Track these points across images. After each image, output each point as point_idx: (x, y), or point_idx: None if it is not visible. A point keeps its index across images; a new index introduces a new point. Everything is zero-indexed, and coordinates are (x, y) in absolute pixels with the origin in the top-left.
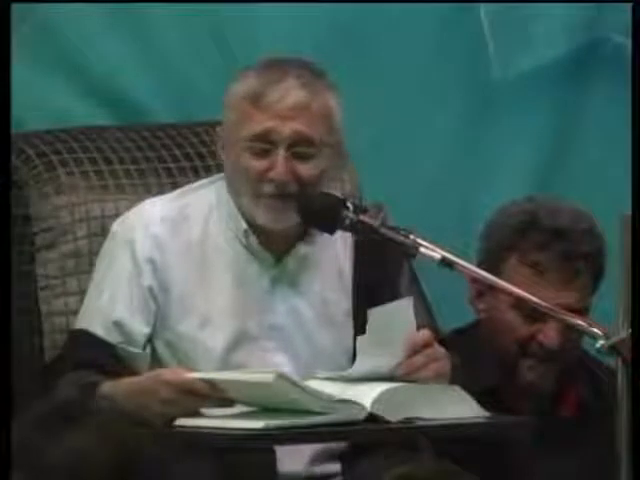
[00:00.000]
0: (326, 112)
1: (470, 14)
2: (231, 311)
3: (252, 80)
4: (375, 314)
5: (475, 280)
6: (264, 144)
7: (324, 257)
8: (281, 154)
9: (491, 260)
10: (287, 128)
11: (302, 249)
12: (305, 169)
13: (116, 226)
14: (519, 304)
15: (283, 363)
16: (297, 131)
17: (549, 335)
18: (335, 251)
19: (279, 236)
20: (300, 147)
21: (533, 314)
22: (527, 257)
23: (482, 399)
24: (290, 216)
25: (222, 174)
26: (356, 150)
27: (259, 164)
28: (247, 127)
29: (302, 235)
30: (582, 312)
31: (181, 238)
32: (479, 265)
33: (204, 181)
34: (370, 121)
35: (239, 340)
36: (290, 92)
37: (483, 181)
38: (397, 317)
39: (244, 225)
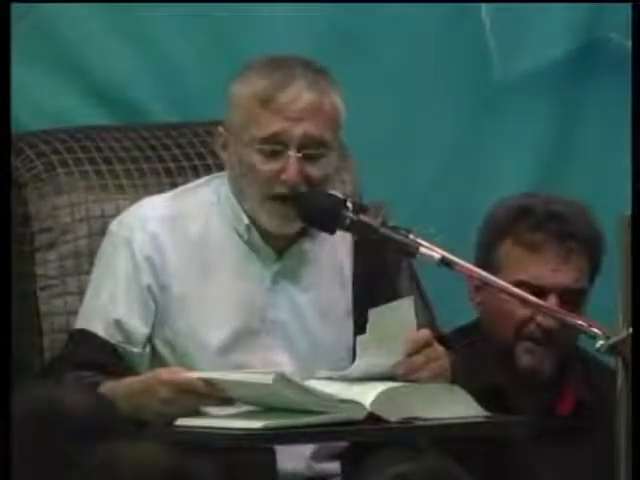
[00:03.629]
0: (334, 113)
1: (471, 14)
2: (232, 307)
3: (259, 81)
4: (376, 313)
5: (472, 276)
6: (275, 145)
7: (324, 254)
8: (292, 155)
9: (487, 250)
10: (299, 130)
11: (303, 245)
12: (314, 170)
13: (114, 225)
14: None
15: (283, 359)
16: (308, 132)
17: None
18: (335, 249)
19: (281, 232)
20: (310, 148)
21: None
22: (521, 238)
23: (485, 398)
24: (295, 222)
25: (220, 173)
26: (356, 150)
27: (270, 165)
28: (257, 128)
29: (303, 231)
30: (581, 293)
31: (180, 236)
32: (476, 258)
33: (201, 180)
34: (370, 121)
35: (240, 336)
36: (301, 94)
37: (483, 181)
38: (398, 316)
39: (246, 220)
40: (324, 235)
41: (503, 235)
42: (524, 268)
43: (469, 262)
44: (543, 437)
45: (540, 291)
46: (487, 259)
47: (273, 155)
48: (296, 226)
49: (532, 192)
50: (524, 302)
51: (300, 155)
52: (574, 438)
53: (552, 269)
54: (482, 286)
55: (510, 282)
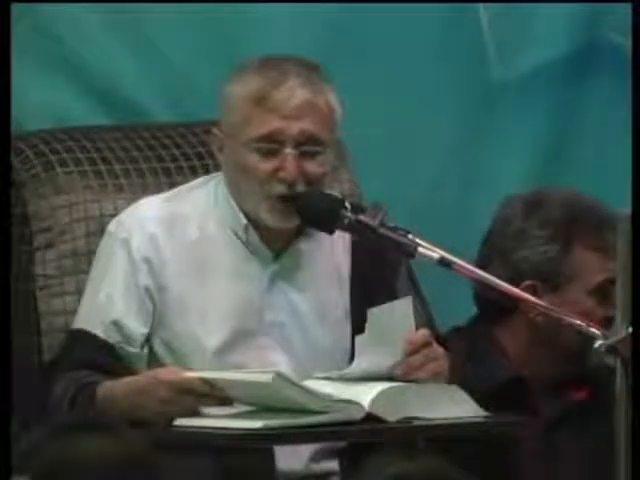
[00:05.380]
0: (329, 110)
1: (470, 14)
2: (230, 308)
3: (253, 81)
4: (374, 313)
5: (531, 287)
6: (272, 144)
7: (322, 254)
8: (290, 153)
9: (555, 261)
10: (295, 127)
11: (301, 245)
12: (313, 167)
13: (112, 226)
14: (597, 290)
15: (281, 360)
16: (304, 130)
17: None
18: (333, 250)
19: (279, 232)
20: (307, 145)
21: (609, 294)
22: (590, 243)
23: (483, 398)
24: (294, 218)
25: (216, 174)
26: (356, 150)
27: (267, 164)
28: (253, 128)
29: (301, 231)
30: None
31: (177, 237)
32: (538, 271)
33: (198, 181)
34: (370, 121)
35: (237, 337)
36: (295, 91)
37: (482, 181)
38: (396, 316)
39: (244, 221)
40: (322, 236)
41: (568, 243)
42: (603, 269)
43: (470, 263)
44: (544, 436)
45: (613, 284)
46: (561, 268)
47: (270, 154)
48: (296, 221)
49: (538, 189)
50: (602, 288)
51: (297, 152)
52: (575, 435)
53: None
54: (544, 293)
55: (594, 285)
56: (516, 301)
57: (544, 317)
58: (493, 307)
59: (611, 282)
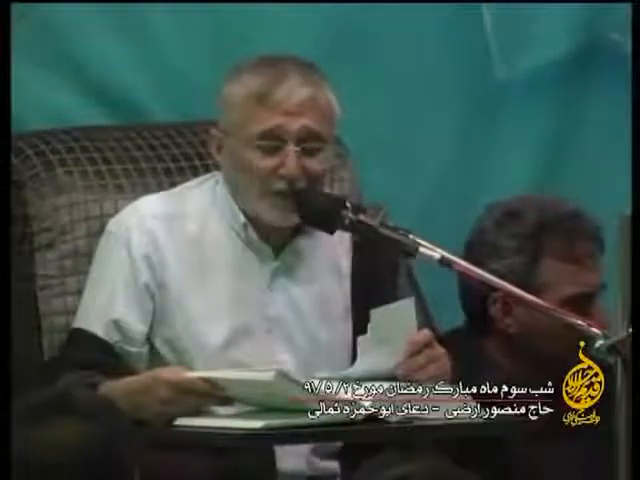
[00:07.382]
0: (329, 107)
1: (473, 15)
2: (231, 305)
3: (253, 79)
4: (377, 314)
5: (502, 299)
6: (273, 141)
7: (322, 251)
8: (291, 150)
9: (525, 271)
10: (296, 124)
11: (300, 242)
12: (314, 164)
13: (111, 225)
14: (571, 302)
15: (283, 356)
16: (306, 127)
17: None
18: (333, 246)
19: (278, 229)
20: (309, 142)
21: (582, 308)
22: (561, 253)
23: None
24: (295, 215)
25: (214, 172)
26: (358, 150)
27: (269, 161)
28: (254, 126)
29: (300, 228)
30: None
31: (177, 235)
32: (512, 279)
33: (198, 179)
34: (372, 121)
35: (239, 334)
36: (296, 89)
37: (484, 181)
38: (399, 317)
39: (243, 219)
40: (322, 233)
41: (537, 254)
42: (576, 282)
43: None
44: (543, 437)
45: (588, 298)
46: (529, 280)
47: (271, 151)
48: (295, 219)
49: (516, 198)
50: (522, 301)
51: (299, 149)
52: (574, 438)
53: (593, 274)
54: (513, 306)
55: (565, 297)
56: (486, 312)
57: (517, 329)
58: (478, 315)
59: (588, 296)
